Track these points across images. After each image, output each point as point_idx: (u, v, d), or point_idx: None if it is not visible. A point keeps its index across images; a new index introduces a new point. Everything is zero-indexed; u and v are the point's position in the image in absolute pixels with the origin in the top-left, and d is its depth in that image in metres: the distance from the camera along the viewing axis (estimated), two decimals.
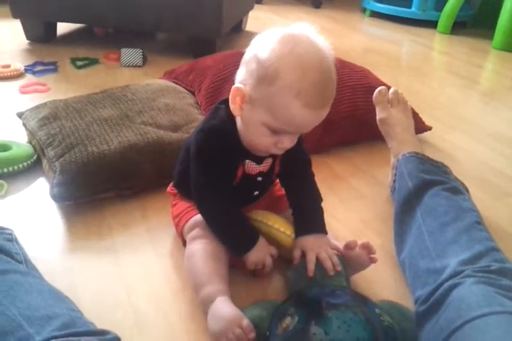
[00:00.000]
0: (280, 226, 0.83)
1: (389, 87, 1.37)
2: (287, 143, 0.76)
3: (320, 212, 0.86)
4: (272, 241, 0.83)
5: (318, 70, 0.69)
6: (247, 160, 0.80)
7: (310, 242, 0.80)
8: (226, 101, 0.79)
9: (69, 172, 0.96)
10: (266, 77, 0.69)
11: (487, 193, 1.13)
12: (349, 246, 0.81)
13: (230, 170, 0.80)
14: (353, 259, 0.81)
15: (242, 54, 1.27)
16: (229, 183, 0.81)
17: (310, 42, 0.71)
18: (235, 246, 0.80)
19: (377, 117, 1.12)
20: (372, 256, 0.80)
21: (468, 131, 1.46)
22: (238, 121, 0.78)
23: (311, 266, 0.77)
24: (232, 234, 0.81)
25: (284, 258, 0.84)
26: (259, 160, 0.81)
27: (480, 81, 2.02)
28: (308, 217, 0.85)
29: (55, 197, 0.95)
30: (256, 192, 0.87)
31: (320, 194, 0.88)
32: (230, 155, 0.79)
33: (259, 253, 0.79)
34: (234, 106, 0.75)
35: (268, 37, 0.72)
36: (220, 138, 0.79)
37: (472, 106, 1.72)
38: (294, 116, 0.70)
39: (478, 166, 1.26)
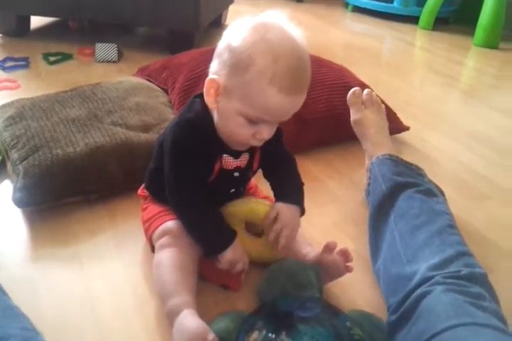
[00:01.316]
0: (257, 200, 0.84)
1: (366, 86, 1.36)
2: (266, 133, 0.74)
3: (301, 190, 0.85)
4: (251, 217, 0.82)
5: (292, 55, 0.68)
6: (225, 155, 0.78)
7: (287, 212, 0.79)
8: (201, 95, 0.77)
9: (32, 176, 0.93)
10: (239, 65, 0.68)
11: (464, 195, 1.12)
12: (329, 247, 0.78)
13: (206, 164, 0.78)
14: (329, 266, 0.78)
15: None
16: (205, 179, 0.79)
17: (281, 29, 0.70)
18: (210, 244, 0.78)
19: (351, 118, 1.11)
20: (348, 264, 0.78)
21: (447, 131, 1.45)
22: (214, 114, 0.76)
23: (282, 241, 0.77)
24: (208, 231, 0.78)
25: (254, 268, 0.81)
26: (236, 154, 0.80)
27: (460, 78, 2.01)
28: (289, 190, 0.84)
29: (17, 202, 0.91)
30: (232, 190, 0.84)
31: (300, 178, 0.86)
32: (207, 149, 0.77)
33: (236, 253, 0.77)
34: (209, 99, 0.74)
35: (239, 26, 0.71)
36: (197, 132, 0.76)
37: (452, 105, 1.71)
38: (270, 103, 0.69)
39: (456, 167, 1.25)
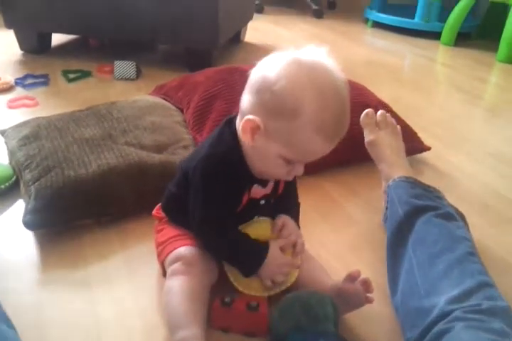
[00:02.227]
0: (259, 219, 0.83)
1: (386, 105, 1.33)
2: (300, 170, 0.75)
3: (297, 209, 0.87)
4: (260, 235, 0.80)
5: (338, 101, 0.67)
6: (255, 185, 0.77)
7: (291, 221, 0.82)
8: (231, 124, 0.76)
9: (43, 198, 0.92)
10: (284, 109, 0.66)
11: (487, 219, 1.07)
12: (352, 276, 0.75)
13: (236, 197, 0.77)
14: (350, 295, 0.74)
15: (233, 70, 1.22)
16: (234, 211, 0.78)
17: (325, 69, 0.68)
18: (247, 265, 0.77)
19: (366, 140, 1.08)
20: (368, 295, 0.74)
21: (470, 151, 1.41)
22: (246, 148, 0.74)
23: (299, 247, 0.80)
24: (240, 253, 0.77)
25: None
26: (264, 183, 0.79)
27: (483, 96, 1.96)
28: (288, 205, 0.86)
29: (27, 225, 0.90)
30: (256, 216, 0.82)
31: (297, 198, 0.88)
32: (238, 182, 0.76)
33: (273, 266, 0.76)
34: (245, 136, 0.71)
35: (279, 63, 0.68)
36: (228, 167, 0.74)
37: (474, 123, 1.66)
38: (314, 150, 0.70)
39: (479, 189, 1.20)
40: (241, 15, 2.15)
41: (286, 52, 0.70)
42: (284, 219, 0.82)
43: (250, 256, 0.77)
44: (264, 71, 0.69)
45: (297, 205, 0.88)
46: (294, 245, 0.80)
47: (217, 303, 0.75)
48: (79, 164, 0.97)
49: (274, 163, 0.72)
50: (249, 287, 0.77)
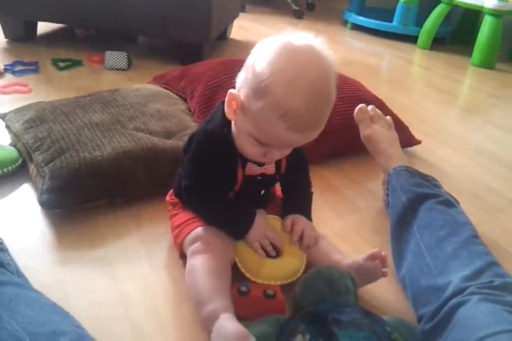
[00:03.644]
0: (268, 216, 0.86)
1: (380, 100, 1.39)
2: (277, 155, 0.76)
3: (309, 201, 0.89)
4: None
5: (311, 91, 0.66)
6: (249, 163, 0.79)
7: (300, 217, 0.84)
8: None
9: (59, 178, 0.92)
10: (257, 90, 0.68)
11: (477, 208, 1.14)
12: (374, 256, 0.79)
13: (228, 173, 0.79)
14: (369, 271, 0.79)
15: (234, 62, 1.25)
16: (229, 187, 0.80)
17: (310, 56, 0.68)
18: (233, 228, 0.80)
19: (362, 134, 1.11)
20: (384, 269, 0.79)
21: (454, 146, 1.48)
22: (233, 125, 0.77)
23: (295, 236, 0.82)
24: (227, 219, 0.81)
25: None
26: (260, 163, 0.80)
27: (460, 96, 2.06)
28: (299, 201, 0.88)
29: (44, 205, 0.91)
30: (262, 191, 0.85)
31: (311, 187, 0.90)
32: (227, 158, 0.78)
33: (259, 230, 0.79)
34: (229, 110, 0.74)
35: (269, 45, 0.70)
36: (216, 142, 0.78)
37: (454, 121, 1.75)
38: (279, 136, 0.69)
39: (467, 180, 1.27)
40: (229, 12, 2.18)
41: (280, 37, 0.71)
42: (292, 218, 0.84)
43: (240, 219, 0.81)
44: (257, 50, 0.72)
45: (310, 195, 0.90)
46: (301, 238, 0.82)
47: (235, 292, 0.75)
48: (93, 147, 0.98)
49: (247, 141, 0.73)
50: (262, 277, 0.79)
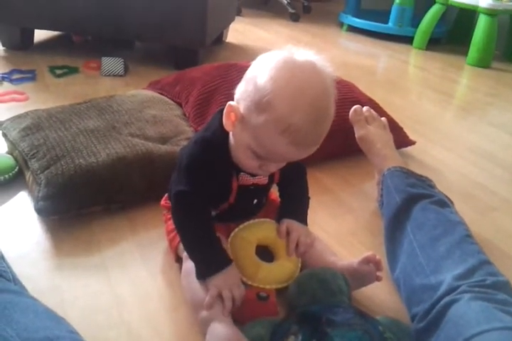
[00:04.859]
0: (264, 220, 0.85)
1: (373, 102, 1.40)
2: (272, 168, 0.76)
3: (306, 206, 0.88)
4: (263, 238, 0.83)
5: (312, 108, 0.66)
6: (242, 173, 0.79)
7: (295, 223, 0.83)
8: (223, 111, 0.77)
9: (55, 185, 0.93)
10: (258, 104, 0.67)
11: (471, 207, 1.15)
12: (369, 260, 0.79)
13: (222, 183, 0.79)
14: (364, 274, 0.80)
15: (230, 66, 1.24)
16: (224, 198, 0.80)
17: (312, 73, 0.68)
18: (204, 266, 0.74)
19: (356, 135, 1.12)
20: (378, 274, 0.79)
21: (449, 146, 1.49)
22: (230, 135, 0.76)
23: (292, 245, 0.81)
24: (206, 252, 0.75)
25: None
26: (252, 173, 0.80)
27: (456, 96, 2.07)
28: (295, 206, 0.87)
29: (40, 211, 0.92)
30: (255, 201, 0.85)
31: (308, 192, 0.90)
32: (221, 168, 0.78)
33: (228, 280, 0.73)
34: (227, 122, 0.74)
35: (271, 60, 0.70)
36: (211, 151, 0.78)
37: (450, 121, 1.76)
38: (278, 150, 0.69)
39: (461, 180, 1.28)
40: (225, 17, 2.19)
41: (282, 51, 0.71)
42: (287, 223, 0.83)
43: (213, 259, 0.75)
44: (258, 64, 0.71)
45: (307, 200, 0.89)
46: (297, 245, 0.82)
47: None
48: (88, 153, 0.99)
49: (244, 153, 0.73)
50: (258, 280, 0.79)
